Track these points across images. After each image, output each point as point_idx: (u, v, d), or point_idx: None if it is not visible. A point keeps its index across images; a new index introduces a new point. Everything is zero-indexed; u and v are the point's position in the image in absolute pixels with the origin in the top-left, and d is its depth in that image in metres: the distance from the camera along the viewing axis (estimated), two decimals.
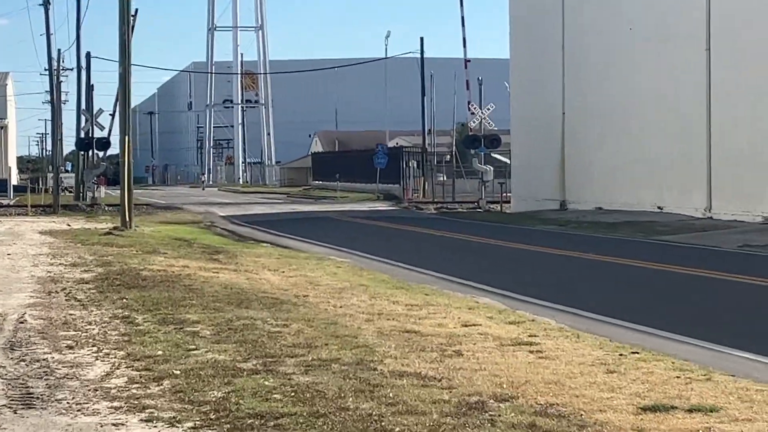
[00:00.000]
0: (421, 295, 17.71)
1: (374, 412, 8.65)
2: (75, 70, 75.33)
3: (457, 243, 32.74)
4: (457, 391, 9.50)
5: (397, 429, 8.19)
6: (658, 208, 42.44)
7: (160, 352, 11.42)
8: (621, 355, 11.73)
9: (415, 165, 73.09)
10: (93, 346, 11.99)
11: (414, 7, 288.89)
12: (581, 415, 8.71)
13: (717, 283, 20.81)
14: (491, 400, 9.18)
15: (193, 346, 11.80)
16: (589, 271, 24.04)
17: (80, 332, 12.99)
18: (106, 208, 49.93)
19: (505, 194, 56.70)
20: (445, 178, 71.91)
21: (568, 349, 12.11)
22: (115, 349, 11.77)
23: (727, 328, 14.96)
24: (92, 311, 14.84)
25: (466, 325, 13.82)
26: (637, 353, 11.87)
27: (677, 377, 10.36)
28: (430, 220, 46.13)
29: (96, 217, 45.38)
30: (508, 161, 64.95)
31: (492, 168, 57.49)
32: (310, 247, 30.39)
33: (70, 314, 14.53)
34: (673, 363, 11.24)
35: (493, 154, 62.81)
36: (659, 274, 22.65)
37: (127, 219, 34.31)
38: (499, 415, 8.64)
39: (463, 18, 64.29)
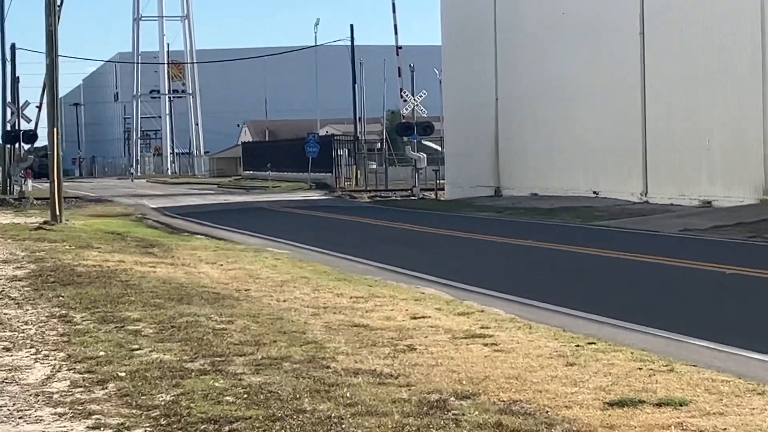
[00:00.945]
0: (364, 286, 17.36)
1: (333, 414, 8.27)
2: (0, 62, 73.98)
3: (395, 232, 32.42)
4: (416, 389, 9.15)
5: None
6: (594, 193, 42.42)
7: (102, 353, 10.95)
8: (578, 346, 11.43)
9: (347, 153, 72.73)
10: (31, 347, 11.50)
11: None
12: (547, 411, 8.39)
13: (663, 268, 20.63)
14: (452, 398, 8.84)
15: (137, 346, 11.35)
16: (531, 258, 23.78)
17: (17, 333, 12.48)
18: (35, 202, 49.03)
19: (439, 182, 56.50)
20: (377, 166, 71.65)
21: (523, 340, 11.80)
22: (54, 350, 11.28)
23: (681, 315, 14.73)
24: (28, 310, 14.32)
25: (415, 318, 13.48)
26: (594, 344, 11.59)
27: (639, 369, 10.07)
28: (365, 209, 45.80)
29: (25, 211, 44.51)
30: (440, 148, 64.82)
31: (425, 155, 57.27)
32: (246, 238, 29.94)
33: (5, 313, 14.00)
34: (632, 354, 10.96)
35: (425, 142, 62.61)
36: (603, 260, 22.46)
37: (58, 213, 33.62)
38: (463, 414, 8.30)
39: (393, 4, 64.14)
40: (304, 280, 18.00)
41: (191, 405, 8.63)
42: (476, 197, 49.34)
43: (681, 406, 8.53)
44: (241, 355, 10.69)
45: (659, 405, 8.56)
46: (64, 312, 13.95)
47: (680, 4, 38.06)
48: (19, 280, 17.83)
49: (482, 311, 14.50)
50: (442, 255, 25.09)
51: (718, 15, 36.08)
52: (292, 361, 10.40)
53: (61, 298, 15.30)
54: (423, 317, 13.53)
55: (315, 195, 60.71)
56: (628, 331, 13.23)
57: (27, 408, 8.79)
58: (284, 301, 15.11)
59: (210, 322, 12.90)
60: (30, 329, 12.71)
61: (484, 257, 24.29)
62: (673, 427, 7.95)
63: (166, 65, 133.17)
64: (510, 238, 28.05)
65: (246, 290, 16.41)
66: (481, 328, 12.72)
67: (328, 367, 10.08)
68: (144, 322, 12.94)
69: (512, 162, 49.78)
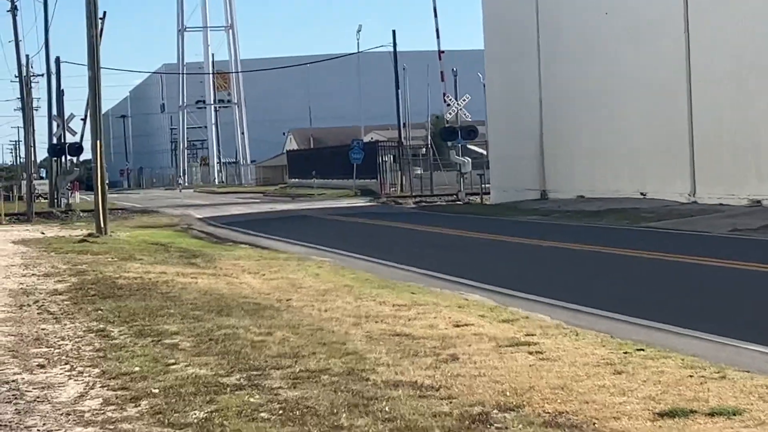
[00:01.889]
0: (407, 293, 17.06)
1: (370, 430, 7.97)
2: (45, 76, 74.39)
3: (439, 238, 32.09)
4: (458, 402, 8.84)
5: None
6: (641, 194, 41.85)
7: (137, 369, 10.70)
8: (626, 353, 11.08)
9: (392, 159, 72.46)
10: (66, 363, 11.26)
11: (385, 0, 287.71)
12: (594, 423, 8.06)
13: (715, 270, 20.14)
14: (495, 411, 8.51)
15: (173, 360, 11.09)
16: (578, 262, 23.35)
17: (53, 349, 12.27)
18: (81, 214, 49.08)
19: (484, 186, 56.09)
20: (422, 172, 71.34)
21: (569, 348, 11.45)
22: (89, 366, 11.05)
23: (734, 319, 14.28)
24: (66, 325, 14.11)
25: (458, 326, 13.17)
26: (643, 350, 11.23)
27: (690, 376, 9.70)
28: (409, 215, 45.50)
29: (71, 223, 44.61)
30: (484, 152, 64.43)
31: (470, 160, 56.92)
32: (290, 247, 29.72)
33: (42, 329, 13.80)
34: (682, 360, 10.60)
35: (469, 146, 62.26)
36: (653, 263, 21.98)
37: (102, 225, 33.55)
38: (506, 428, 7.98)
39: (435, 9, 63.66)
40: (346, 289, 17.71)
41: (225, 422, 8.35)
42: (522, 201, 48.89)
43: (734, 415, 8.17)
44: (278, 369, 10.42)
45: (711, 415, 8.19)
46: (102, 326, 13.74)
47: (725, 0, 37.48)
48: (60, 294, 17.66)
49: (527, 318, 14.17)
50: (487, 260, 24.74)
51: (764, 9, 35.45)
52: (331, 373, 10.11)
53: (100, 311, 15.10)
54: (466, 325, 13.21)
55: (360, 201, 60.46)
56: (678, 336, 12.84)
57: (57, 428, 8.54)
58: (326, 310, 14.82)
59: (249, 334, 12.64)
60: (66, 345, 12.50)
61: (530, 262, 23.88)
62: None
63: (211, 75, 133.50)
64: (557, 241, 27.63)
65: (287, 300, 16.15)
66: (526, 335, 12.39)
67: (367, 380, 9.79)
68: (182, 335, 12.70)
69: (557, 164, 49.29)
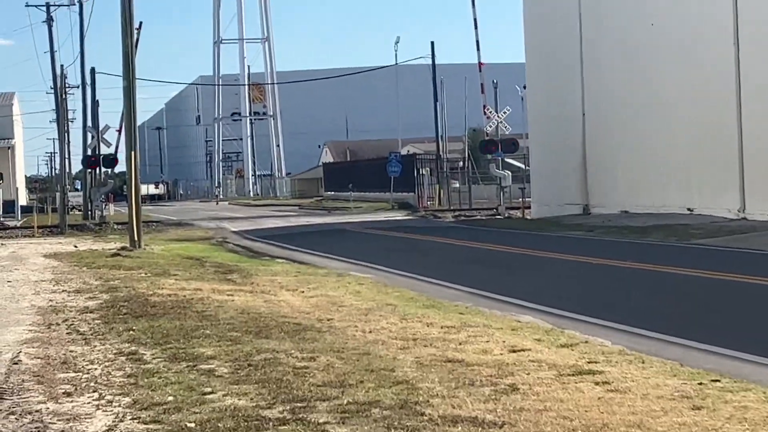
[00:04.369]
0: (455, 314, 16.19)
1: None
2: (80, 87, 74.03)
3: (482, 253, 31.18)
4: None
5: None
6: (688, 210, 40.71)
7: (170, 398, 9.86)
8: (700, 384, 10.18)
9: (429, 172, 71.64)
10: (94, 391, 10.42)
11: (423, 11, 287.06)
12: None
13: None
14: None
15: (209, 389, 10.24)
16: (631, 281, 22.30)
17: (81, 374, 11.44)
18: (115, 227, 48.51)
19: (524, 200, 55.13)
20: (460, 185, 70.51)
21: (638, 378, 10.55)
22: (119, 394, 10.21)
23: None
24: (95, 346, 13.30)
25: (514, 351, 12.30)
26: (718, 381, 10.33)
27: None
28: (449, 229, 44.59)
29: (104, 236, 44.01)
30: (523, 166, 63.54)
31: (510, 173, 56.02)
32: (329, 261, 28.89)
33: (71, 351, 12.99)
34: (764, 393, 9.69)
35: (507, 159, 61.39)
36: (709, 282, 20.96)
37: (136, 238, 32.88)
38: None
39: (475, 20, 62.68)
40: (390, 308, 16.87)
41: None
42: (564, 215, 47.88)
43: None
44: (324, 400, 9.56)
45: None
46: (133, 348, 12.93)
47: None
48: (90, 312, 16.87)
49: (587, 342, 13.27)
50: (535, 278, 23.81)
51: None
52: (382, 406, 9.23)
53: (132, 332, 14.29)
54: (523, 350, 12.34)
55: (398, 215, 59.60)
56: (754, 365, 11.88)
57: None
58: (370, 332, 13.98)
59: (290, 359, 11.79)
60: (95, 369, 11.68)
61: (580, 280, 22.88)
62: None
63: (247, 87, 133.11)
64: (605, 258, 26.66)
65: (329, 320, 15.32)
66: (589, 362, 11.50)
67: (422, 414, 8.91)
68: (218, 360, 11.86)
69: (601, 178, 48.25)
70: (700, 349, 13.08)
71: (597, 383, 10.24)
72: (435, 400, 9.49)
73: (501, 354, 12.09)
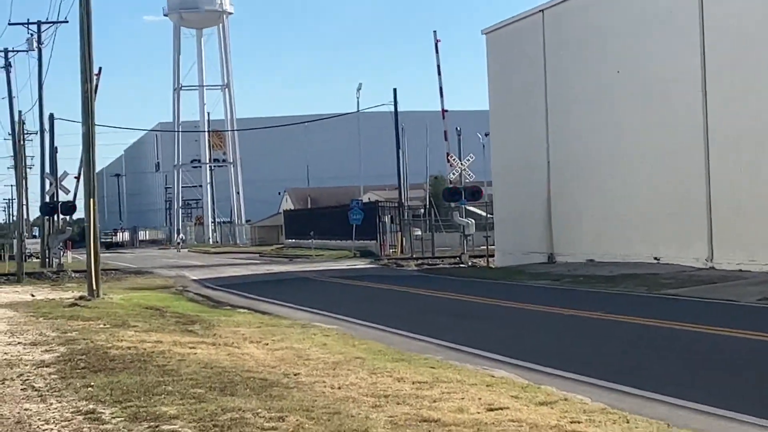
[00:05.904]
0: (426, 368, 15.62)
1: None
2: (38, 133, 73.21)
3: (448, 303, 30.64)
4: None
5: None
6: (655, 258, 40.31)
7: None
8: None
9: (389, 220, 71.16)
10: None
11: (385, 58, 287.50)
12: None
13: (756, 345, 18.64)
14: None
15: None
16: (603, 333, 21.78)
17: None
18: (73, 275, 47.72)
19: (486, 247, 54.68)
20: (422, 233, 70.06)
21: None
22: None
23: None
24: (51, 404, 12.63)
25: (491, 409, 11.76)
26: None
27: None
28: (413, 278, 44.05)
29: (62, 284, 43.22)
30: (484, 213, 63.21)
31: (473, 221, 55.61)
32: (292, 312, 28.28)
33: (25, 409, 12.32)
34: None
35: (469, 207, 61.05)
36: (685, 335, 20.42)
37: (95, 287, 32.13)
38: None
39: (438, 66, 62.57)
40: (358, 361, 16.30)
41: None
42: (529, 264, 47.44)
43: None
44: None
45: None
46: (92, 407, 12.27)
47: (744, 56, 36.15)
48: (47, 366, 16.17)
49: (566, 400, 12.74)
50: (505, 329, 23.27)
51: None
52: None
53: (90, 388, 13.62)
54: (501, 408, 11.81)
55: (360, 263, 59.04)
56: (741, 425, 11.38)
57: None
58: (339, 388, 13.40)
59: (257, 419, 11.17)
60: (51, 430, 11.02)
61: (552, 332, 22.29)
62: None
63: (206, 134, 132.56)
64: (575, 309, 26.14)
65: (295, 374, 14.72)
66: (571, 422, 10.98)
67: None
68: (182, 420, 11.23)
69: (566, 227, 47.85)
70: (683, 406, 12.57)
71: None
72: None
73: (478, 413, 11.55)
